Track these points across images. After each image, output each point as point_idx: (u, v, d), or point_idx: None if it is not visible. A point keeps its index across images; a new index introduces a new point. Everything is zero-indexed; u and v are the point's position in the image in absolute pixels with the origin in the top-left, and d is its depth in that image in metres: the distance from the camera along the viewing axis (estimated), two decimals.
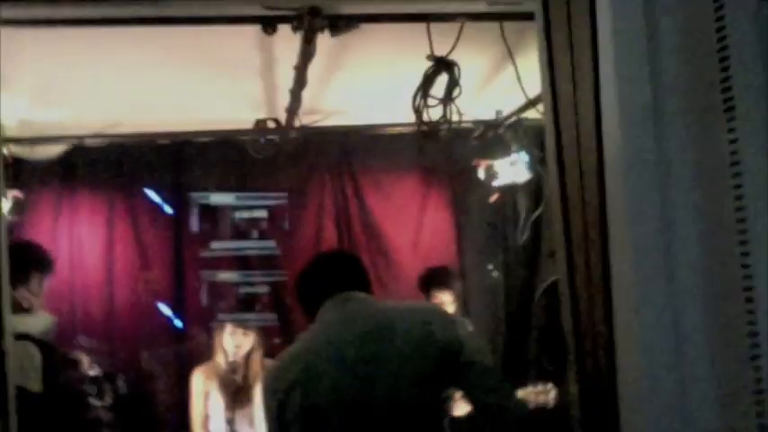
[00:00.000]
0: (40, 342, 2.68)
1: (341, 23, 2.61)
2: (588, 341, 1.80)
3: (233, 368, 4.01)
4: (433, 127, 2.81)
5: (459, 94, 2.77)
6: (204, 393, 4.13)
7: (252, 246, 4.79)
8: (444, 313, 2.29)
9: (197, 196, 4.73)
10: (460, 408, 3.12)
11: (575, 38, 1.77)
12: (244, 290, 4.73)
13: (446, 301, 4.18)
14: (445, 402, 2.23)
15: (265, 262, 4.83)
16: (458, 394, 2.38)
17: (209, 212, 4.77)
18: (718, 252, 1.53)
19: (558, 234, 1.85)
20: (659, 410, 1.58)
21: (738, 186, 1.49)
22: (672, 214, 1.55)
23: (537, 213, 4.68)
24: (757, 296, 1.48)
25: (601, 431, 1.79)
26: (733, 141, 1.51)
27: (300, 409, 2.07)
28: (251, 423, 4.11)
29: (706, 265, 1.55)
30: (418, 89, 2.79)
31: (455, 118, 2.83)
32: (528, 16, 2.40)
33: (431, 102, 2.79)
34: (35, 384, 2.56)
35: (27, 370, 2.52)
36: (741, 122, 1.50)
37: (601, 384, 1.75)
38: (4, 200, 1.99)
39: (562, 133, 1.84)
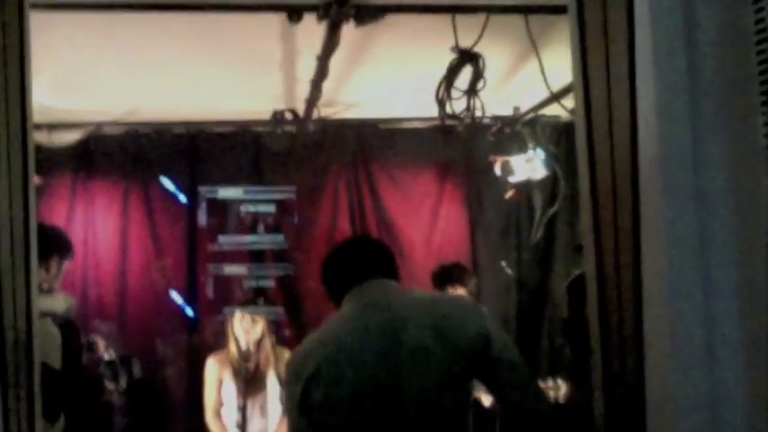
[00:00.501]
0: (63, 320, 2.69)
1: (367, 13, 2.60)
2: (615, 336, 1.79)
3: (245, 356, 4.02)
4: (456, 119, 2.79)
5: (484, 86, 2.76)
6: (218, 381, 4.16)
7: (259, 240, 4.80)
8: (474, 306, 2.24)
9: (205, 190, 4.74)
10: (485, 400, 3.12)
11: (609, 31, 1.76)
12: (250, 283, 4.75)
13: None
14: (470, 395, 2.18)
15: (274, 256, 4.84)
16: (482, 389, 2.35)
17: (218, 206, 4.79)
18: (753, 251, 1.52)
19: (587, 228, 1.84)
20: (687, 410, 1.56)
21: None
22: (707, 212, 1.54)
23: (552, 211, 4.69)
24: None
25: (625, 426, 1.78)
26: None
27: (324, 396, 2.03)
28: (263, 410, 4.13)
29: (741, 263, 1.54)
30: (442, 81, 2.78)
31: (478, 110, 2.81)
32: (555, 9, 2.40)
33: (454, 94, 2.77)
34: (55, 362, 2.58)
35: (48, 347, 2.53)
36: None
37: (627, 381, 1.74)
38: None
39: (594, 129, 1.83)
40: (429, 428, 2.05)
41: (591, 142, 1.83)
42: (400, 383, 2.03)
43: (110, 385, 3.13)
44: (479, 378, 2.16)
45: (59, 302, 2.82)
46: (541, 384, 3.66)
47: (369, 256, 2.34)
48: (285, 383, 2.21)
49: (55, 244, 2.99)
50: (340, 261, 2.39)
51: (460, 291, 4.19)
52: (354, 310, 2.19)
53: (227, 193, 4.78)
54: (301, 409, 2.07)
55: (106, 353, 3.18)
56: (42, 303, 2.19)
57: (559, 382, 3.74)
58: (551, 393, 3.67)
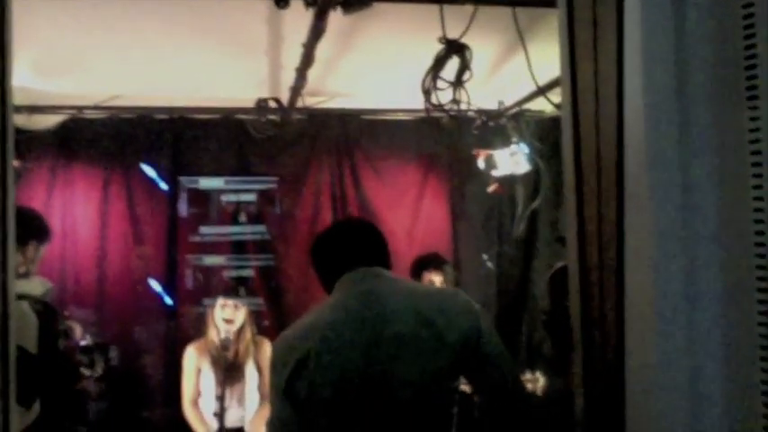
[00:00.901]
0: (41, 304, 2.66)
1: (354, 1, 2.58)
2: (596, 330, 1.79)
3: (225, 345, 4.00)
4: (442, 110, 2.78)
5: (470, 77, 2.75)
6: (196, 370, 4.14)
7: (241, 231, 4.78)
8: (468, 302, 2.17)
9: (186, 180, 4.72)
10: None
11: (599, 25, 1.75)
12: (230, 273, 4.73)
13: (436, 281, 4.20)
14: (457, 390, 2.16)
15: (256, 246, 4.82)
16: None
17: (200, 196, 4.76)
18: (737, 247, 1.52)
19: (570, 220, 1.84)
20: (668, 400, 1.57)
21: (759, 170, 1.48)
22: (692, 205, 1.54)
23: (534, 205, 4.70)
24: None
25: (605, 418, 1.78)
26: (755, 137, 1.50)
27: (309, 385, 2.00)
28: (240, 400, 4.12)
29: (724, 260, 1.54)
30: (428, 71, 2.77)
31: (464, 103, 2.81)
32: (544, 2, 2.39)
33: (440, 85, 2.76)
34: (31, 346, 2.54)
35: (24, 331, 2.50)
36: (764, 117, 1.49)
37: (608, 371, 1.74)
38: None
39: (580, 123, 1.83)
40: (414, 421, 2.03)
41: (577, 136, 1.82)
42: (386, 376, 2.00)
43: (86, 371, 3.10)
44: (465, 373, 2.14)
45: (36, 286, 2.79)
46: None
47: (361, 242, 2.27)
48: (270, 369, 2.15)
49: (33, 228, 2.95)
50: (331, 246, 2.30)
51: (436, 276, 4.20)
52: (345, 299, 2.13)
53: (208, 183, 4.76)
54: (285, 397, 2.04)
55: (83, 339, 3.15)
56: (19, 287, 2.16)
57: (538, 374, 3.77)
58: (530, 386, 3.69)
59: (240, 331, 4.12)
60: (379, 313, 2.05)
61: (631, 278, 1.63)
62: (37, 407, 2.62)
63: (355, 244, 2.26)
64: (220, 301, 4.16)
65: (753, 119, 1.49)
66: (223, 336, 3.99)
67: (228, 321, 4.07)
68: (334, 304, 2.14)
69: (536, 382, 3.74)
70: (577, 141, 1.81)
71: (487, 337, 2.09)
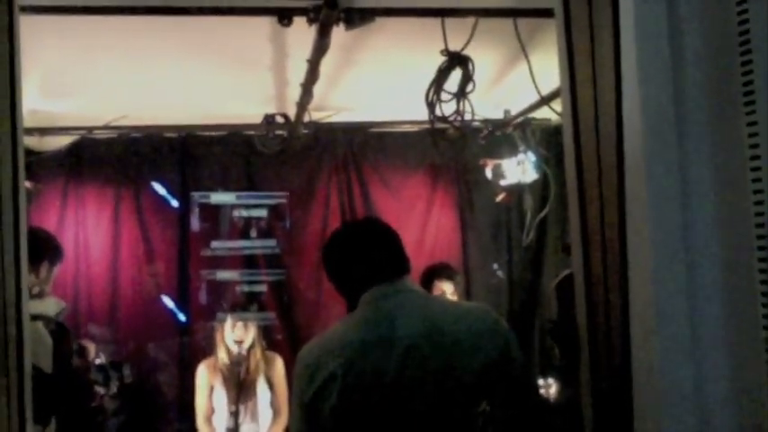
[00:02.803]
0: (55, 323, 2.69)
1: (356, 16, 2.61)
2: (602, 336, 1.80)
3: (236, 362, 4.02)
4: (446, 122, 2.80)
5: (473, 89, 2.77)
6: (209, 387, 4.16)
7: (252, 245, 4.81)
8: (497, 321, 2.09)
9: (198, 195, 4.75)
10: None
11: (596, 33, 1.78)
12: (243, 288, 4.75)
13: (447, 291, 4.21)
14: (481, 415, 2.11)
15: (267, 261, 4.85)
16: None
17: (211, 211, 4.79)
18: (739, 252, 1.53)
19: (574, 227, 1.86)
20: (674, 404, 1.58)
21: (758, 181, 1.50)
22: (692, 210, 1.55)
23: (543, 214, 4.71)
24: None
25: (613, 425, 1.79)
26: (753, 142, 1.51)
27: (335, 403, 1.96)
28: (254, 416, 4.13)
29: (725, 263, 1.55)
30: (432, 83, 2.80)
31: (468, 113, 2.83)
32: (542, 13, 2.42)
33: (444, 97, 2.79)
34: (46, 366, 2.57)
35: (39, 351, 2.52)
36: (762, 120, 1.50)
37: (614, 377, 1.76)
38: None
39: (581, 129, 1.85)
40: None
41: (578, 143, 1.85)
42: (412, 398, 1.96)
43: (100, 390, 3.13)
44: (490, 395, 2.06)
45: (50, 306, 2.82)
46: None
47: (381, 249, 2.16)
48: (294, 384, 2.10)
49: (45, 248, 2.98)
50: (351, 254, 2.19)
51: (447, 286, 4.21)
52: (372, 317, 2.06)
53: (219, 198, 4.79)
54: (308, 415, 2.02)
55: (97, 357, 3.18)
56: (33, 307, 2.19)
57: (551, 381, 3.77)
58: (542, 392, 3.69)
59: (250, 348, 4.14)
60: (406, 335, 1.99)
61: (634, 283, 1.65)
62: (53, 425, 2.65)
63: (374, 251, 2.16)
64: (229, 321, 4.17)
65: (750, 123, 1.51)
66: (234, 353, 4.01)
67: (239, 342, 4.09)
68: (361, 322, 2.08)
69: (548, 388, 3.75)
70: (578, 149, 1.84)
71: (515, 360, 2.05)
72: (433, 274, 4.28)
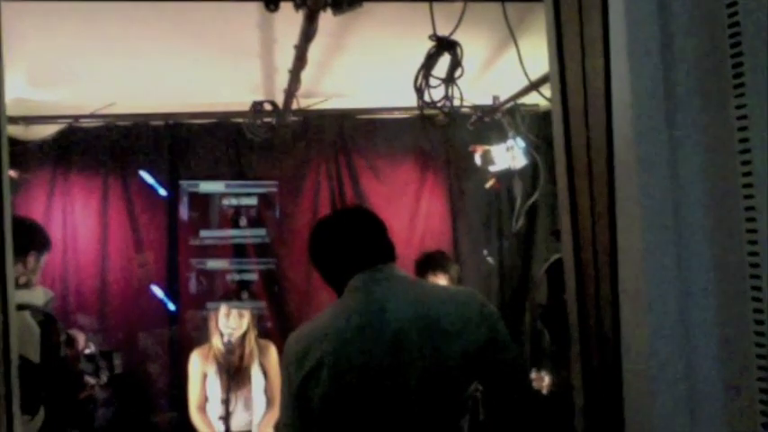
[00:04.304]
0: (42, 313, 2.68)
1: (344, 1, 2.58)
2: (593, 321, 1.80)
3: (229, 349, 4.02)
4: (434, 107, 2.79)
5: (462, 74, 2.76)
6: (202, 375, 4.15)
7: (242, 234, 4.80)
8: (484, 305, 2.10)
9: (187, 184, 4.73)
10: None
11: (585, 18, 1.77)
12: (233, 277, 4.75)
13: (441, 281, 4.20)
14: (469, 399, 2.12)
15: (257, 249, 4.84)
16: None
17: (200, 200, 4.77)
18: (728, 234, 1.53)
19: (563, 212, 1.86)
20: (664, 390, 1.58)
21: (747, 167, 1.49)
22: (683, 193, 1.55)
23: (532, 199, 4.71)
24: (764, 278, 1.48)
25: (603, 410, 1.80)
26: (742, 125, 1.51)
27: (324, 391, 1.97)
28: (247, 404, 4.13)
29: (716, 248, 1.55)
30: (420, 69, 2.78)
31: (457, 99, 2.81)
32: None
33: (433, 82, 2.77)
34: (34, 356, 2.56)
35: (27, 341, 2.51)
36: (751, 103, 1.50)
37: (605, 362, 1.75)
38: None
39: (570, 114, 1.84)
40: (426, 430, 2.00)
41: (567, 128, 1.84)
42: (401, 384, 1.96)
43: (90, 380, 3.11)
44: (478, 379, 2.09)
45: (38, 296, 2.80)
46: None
47: (365, 236, 2.19)
48: (282, 373, 2.11)
49: (33, 238, 2.96)
50: (335, 243, 2.21)
51: (442, 278, 4.21)
52: (359, 303, 2.07)
53: (208, 186, 4.77)
54: (297, 403, 2.03)
55: (86, 347, 3.16)
56: (20, 297, 2.18)
57: (543, 373, 3.75)
58: (535, 384, 3.68)
59: (244, 336, 4.14)
60: (394, 320, 2.00)
61: (624, 268, 1.64)
62: (42, 414, 2.63)
63: (360, 239, 2.17)
64: (223, 309, 4.17)
65: (740, 117, 1.50)
66: (227, 341, 4.00)
67: (234, 329, 4.08)
68: (349, 308, 2.08)
69: (541, 381, 3.73)
70: (568, 134, 1.83)
71: (503, 344, 2.06)
72: (428, 265, 4.26)
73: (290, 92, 3.81)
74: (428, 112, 2.92)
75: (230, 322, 4.09)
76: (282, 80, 3.76)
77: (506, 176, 4.74)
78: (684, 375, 1.58)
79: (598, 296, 1.76)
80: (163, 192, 4.79)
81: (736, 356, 1.56)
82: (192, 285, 4.75)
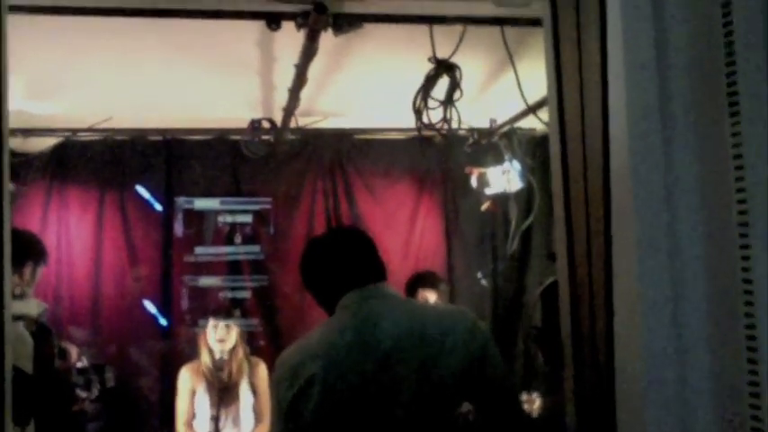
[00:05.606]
0: (36, 324, 2.67)
1: (345, 22, 2.61)
2: (587, 343, 1.81)
3: (219, 366, 4.00)
4: (433, 129, 2.81)
5: (461, 97, 2.78)
6: (191, 391, 4.14)
7: (236, 251, 4.80)
8: (474, 323, 2.11)
9: (182, 201, 4.73)
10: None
11: (583, 43, 1.79)
12: (226, 294, 4.74)
13: (431, 299, 4.21)
14: (459, 417, 2.12)
15: (251, 266, 4.84)
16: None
17: (195, 217, 4.78)
18: (722, 256, 1.55)
19: (559, 235, 1.87)
20: (657, 411, 1.59)
21: (742, 190, 1.51)
22: (678, 219, 1.57)
23: (527, 223, 4.72)
24: (757, 301, 1.50)
25: (596, 431, 1.80)
26: (737, 146, 1.53)
27: (315, 408, 1.97)
28: (236, 421, 4.11)
29: (709, 271, 1.57)
30: (419, 91, 2.80)
31: (455, 121, 2.83)
32: (531, 22, 2.44)
33: (431, 104, 2.79)
34: (27, 366, 2.55)
35: (20, 351, 2.50)
36: (746, 127, 1.52)
37: (598, 384, 1.76)
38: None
39: (567, 138, 1.86)
40: None
41: (564, 151, 1.86)
42: (391, 401, 1.97)
43: (82, 393, 3.10)
44: (467, 397, 2.11)
45: (32, 307, 2.80)
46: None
47: (358, 256, 2.20)
48: (272, 389, 2.11)
49: (30, 250, 2.97)
50: (326, 263, 2.23)
51: (431, 294, 4.22)
52: (350, 321, 2.08)
53: (203, 203, 4.78)
54: (287, 420, 2.03)
55: (79, 360, 3.15)
56: (16, 308, 2.17)
57: (534, 396, 3.75)
58: (526, 407, 3.67)
59: (233, 351, 4.13)
60: (386, 337, 2.01)
61: (619, 291, 1.66)
62: (32, 426, 2.62)
63: (351, 258, 2.19)
64: (212, 322, 4.16)
65: (734, 134, 1.52)
66: (217, 357, 3.99)
67: (221, 341, 4.08)
68: (341, 325, 2.09)
69: (532, 403, 3.72)
70: (564, 158, 1.85)
71: (493, 362, 2.07)
72: (417, 282, 4.29)
73: (289, 110, 3.82)
74: (425, 133, 2.94)
75: (218, 333, 4.08)
76: (281, 98, 3.78)
77: (502, 199, 4.75)
78: (677, 399, 1.59)
79: (593, 319, 1.77)
80: (158, 207, 4.79)
81: (727, 380, 1.57)
82: (185, 302, 4.74)
